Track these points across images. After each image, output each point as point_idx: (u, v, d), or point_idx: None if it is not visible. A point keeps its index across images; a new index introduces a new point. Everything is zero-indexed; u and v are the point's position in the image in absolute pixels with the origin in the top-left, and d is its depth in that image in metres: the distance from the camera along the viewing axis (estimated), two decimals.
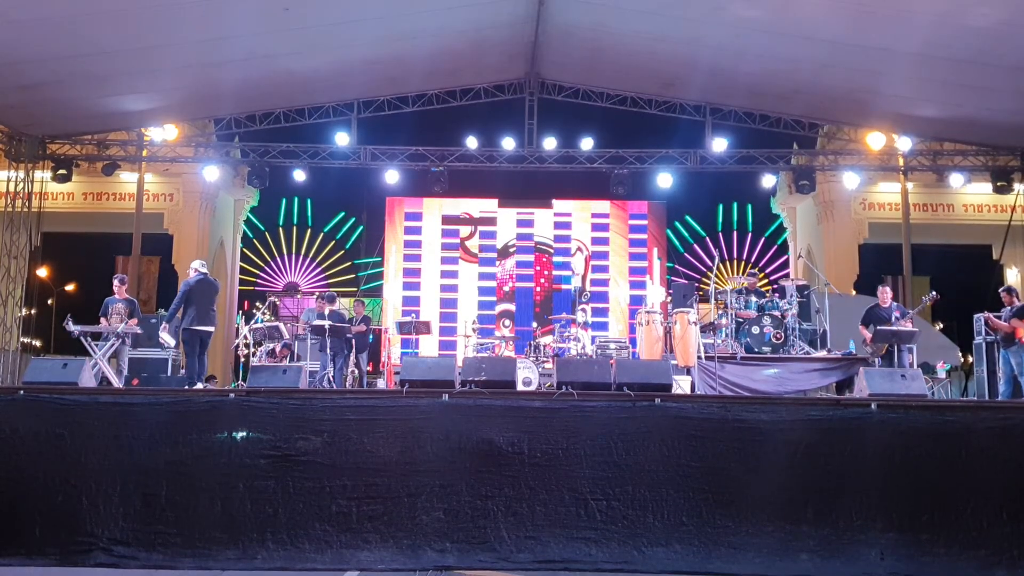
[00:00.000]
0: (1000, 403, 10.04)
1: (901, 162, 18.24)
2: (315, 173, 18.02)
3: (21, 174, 17.17)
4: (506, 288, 22.02)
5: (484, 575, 6.67)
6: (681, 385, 11.09)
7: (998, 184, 17.29)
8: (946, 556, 6.72)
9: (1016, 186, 17.49)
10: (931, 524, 6.79)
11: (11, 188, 17.17)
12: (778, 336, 12.79)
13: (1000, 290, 11.70)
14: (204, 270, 11.31)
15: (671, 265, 22.72)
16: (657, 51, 15.25)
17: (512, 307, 21.88)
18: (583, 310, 14.67)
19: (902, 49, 13.04)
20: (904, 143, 17.55)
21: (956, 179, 17.78)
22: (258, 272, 24.46)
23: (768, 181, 18.53)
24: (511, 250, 22.16)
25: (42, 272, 20.88)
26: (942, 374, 14.53)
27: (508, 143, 17.32)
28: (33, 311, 19.76)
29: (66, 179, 17.43)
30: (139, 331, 11.94)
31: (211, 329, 11.06)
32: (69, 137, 17.31)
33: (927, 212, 20.04)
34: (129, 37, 13.05)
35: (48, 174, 17.44)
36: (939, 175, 18.49)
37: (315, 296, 19.58)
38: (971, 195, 19.67)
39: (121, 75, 14.52)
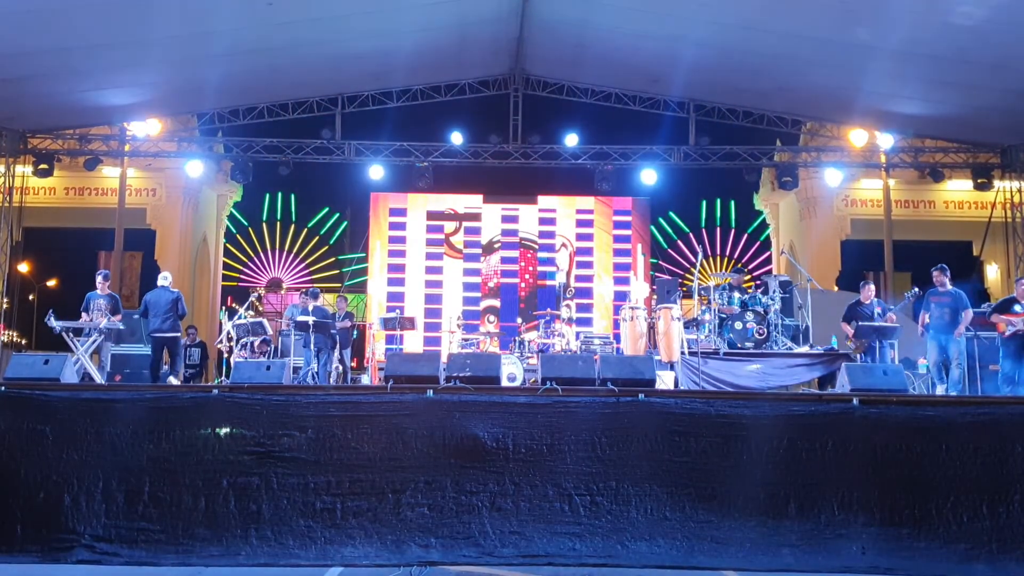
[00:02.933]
0: (981, 398, 10.12)
1: (883, 159, 18.35)
2: (299, 168, 17.93)
3: (2, 168, 17.04)
4: (491, 284, 22.03)
5: (468, 570, 6.69)
6: (664, 380, 11.14)
7: (979, 181, 17.43)
8: (926, 550, 6.78)
9: (996, 183, 17.63)
10: (912, 518, 6.84)
11: None
12: (761, 332, 12.86)
13: (933, 269, 11.64)
14: (164, 283, 12.16)
15: (655, 261, 22.77)
16: (641, 47, 15.28)
17: (497, 303, 21.89)
18: (567, 306, 14.72)
19: (884, 46, 13.13)
20: (886, 140, 17.66)
21: (937, 176, 17.92)
22: (242, 268, 24.35)
23: (751, 177, 18.60)
24: (496, 246, 22.16)
25: (23, 267, 20.71)
26: (923, 369, 14.61)
27: (493, 139, 17.31)
28: (14, 306, 19.61)
29: (47, 174, 17.30)
30: (121, 327, 11.94)
31: (169, 335, 11.83)
32: (51, 131, 17.18)
33: (909, 209, 20.17)
34: (112, 31, 12.96)
35: (29, 168, 17.32)
36: (920, 172, 18.63)
37: (300, 292, 19.53)
38: (952, 192, 19.83)
39: (103, 69, 14.44)
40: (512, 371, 13.01)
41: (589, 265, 22.09)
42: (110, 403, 7.26)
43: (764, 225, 22.96)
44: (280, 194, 24.37)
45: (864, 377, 8.34)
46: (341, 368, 13.98)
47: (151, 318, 11.89)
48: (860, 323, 11.50)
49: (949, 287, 11.38)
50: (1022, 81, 13.50)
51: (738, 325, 12.92)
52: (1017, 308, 10.84)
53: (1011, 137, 16.71)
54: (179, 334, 12.18)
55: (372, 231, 22.13)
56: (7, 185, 17.03)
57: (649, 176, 17.78)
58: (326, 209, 24.46)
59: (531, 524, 6.91)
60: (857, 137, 17.40)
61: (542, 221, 22.27)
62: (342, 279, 23.43)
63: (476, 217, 22.24)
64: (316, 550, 6.84)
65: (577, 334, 15.12)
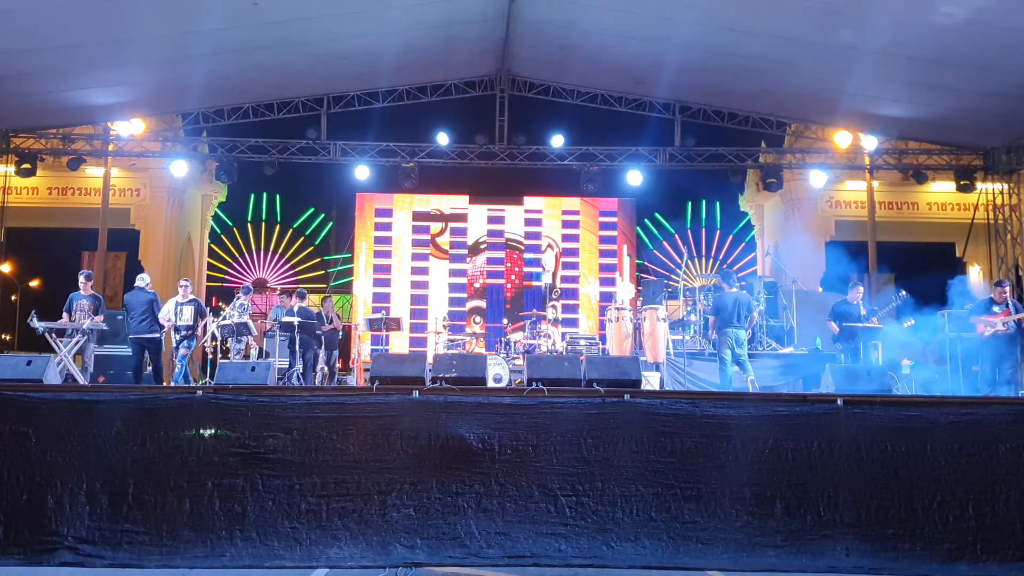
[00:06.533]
0: (964, 398, 10.17)
1: (867, 161, 18.45)
2: (284, 168, 17.88)
3: None
4: (477, 285, 22.03)
5: (454, 571, 6.68)
6: (650, 381, 11.18)
7: (961, 183, 17.54)
8: (911, 550, 6.81)
9: (979, 185, 17.76)
10: (897, 519, 6.88)
11: None
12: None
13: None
14: (140, 284, 12.23)
15: (641, 262, 22.79)
16: (627, 49, 15.31)
17: (483, 304, 21.89)
18: (553, 307, 14.76)
19: (868, 48, 13.19)
20: (870, 142, 17.76)
21: (921, 178, 18.04)
22: (226, 268, 24.22)
23: (736, 179, 18.67)
24: (482, 247, 22.17)
25: (6, 268, 20.56)
26: (906, 370, 14.72)
27: (479, 140, 17.30)
28: None
29: (30, 173, 17.20)
30: (105, 327, 11.89)
31: (146, 336, 11.94)
32: (34, 131, 17.07)
33: (892, 210, 20.26)
34: (96, 30, 12.89)
35: (12, 168, 17.20)
36: (904, 174, 18.74)
37: (278, 292, 19.44)
38: (935, 194, 19.93)
39: (87, 68, 14.35)
40: (498, 372, 13.02)
41: (575, 266, 22.13)
42: (93, 404, 7.22)
43: (749, 226, 23.01)
44: (265, 194, 24.23)
45: (848, 378, 8.40)
46: (327, 369, 13.95)
47: (129, 320, 11.90)
48: (844, 323, 11.59)
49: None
50: (1004, 84, 13.60)
51: None
52: (996, 309, 11.02)
53: (993, 139, 16.84)
54: (157, 335, 12.12)
55: (358, 232, 22.10)
56: None
57: (635, 177, 17.81)
58: (311, 209, 24.35)
59: (517, 525, 6.91)
60: (841, 139, 17.48)
61: (528, 222, 22.30)
62: (328, 280, 23.35)
63: (462, 218, 22.25)
64: (301, 551, 6.82)
65: (563, 335, 15.15)
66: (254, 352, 13.00)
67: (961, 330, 11.93)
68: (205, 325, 12.54)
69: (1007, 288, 11.23)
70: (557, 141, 17.56)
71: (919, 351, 13.21)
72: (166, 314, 12.19)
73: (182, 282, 12.75)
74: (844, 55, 13.61)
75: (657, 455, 7.06)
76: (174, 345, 12.35)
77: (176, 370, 12.21)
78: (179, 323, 12.22)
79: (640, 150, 17.64)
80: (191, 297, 12.56)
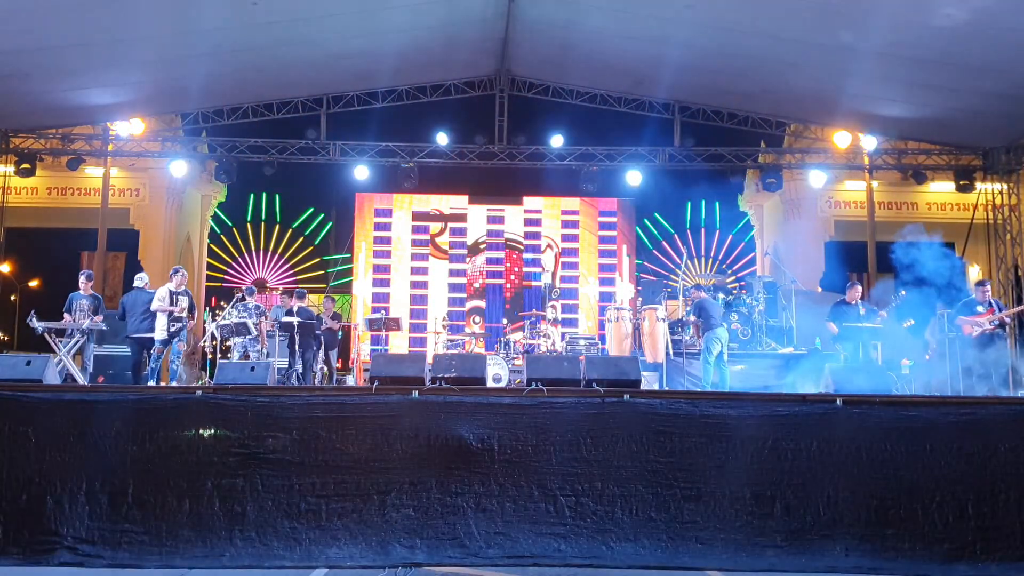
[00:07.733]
0: (963, 398, 10.17)
1: (866, 161, 18.45)
2: (284, 168, 17.88)
3: None
4: (476, 285, 22.03)
5: (454, 571, 6.68)
6: (649, 381, 11.18)
7: (960, 183, 17.55)
8: (910, 551, 6.82)
9: (978, 185, 17.77)
10: (896, 519, 6.88)
11: None
12: (745, 332, 12.95)
13: None
14: (139, 284, 12.04)
15: (640, 262, 22.80)
16: (626, 49, 15.31)
17: (482, 304, 21.89)
18: (553, 307, 14.77)
19: (868, 49, 13.19)
20: (869, 142, 17.76)
21: (920, 178, 18.04)
22: (226, 268, 24.23)
23: (735, 179, 18.67)
24: (481, 247, 22.17)
25: (5, 268, 20.56)
26: (906, 370, 14.71)
27: (478, 140, 17.30)
28: None
29: (30, 173, 17.20)
30: (104, 327, 11.86)
31: (147, 335, 11.62)
32: (33, 131, 17.07)
33: (892, 210, 20.24)
34: (95, 30, 12.89)
35: (11, 168, 17.20)
36: (903, 174, 18.75)
37: (279, 292, 19.43)
38: (935, 194, 19.93)
39: (87, 68, 14.35)
40: (497, 372, 13.03)
41: (574, 266, 22.12)
42: (93, 404, 7.22)
43: (748, 226, 23.03)
44: (264, 194, 24.26)
45: (848, 378, 8.39)
46: (326, 369, 13.95)
47: (128, 320, 11.79)
48: (844, 324, 11.59)
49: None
50: (1003, 84, 13.60)
51: None
52: (980, 309, 11.15)
53: (993, 139, 16.84)
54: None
55: (357, 232, 22.10)
56: None
57: (634, 177, 17.81)
58: (311, 210, 24.37)
59: (516, 525, 6.91)
60: (841, 139, 17.49)
61: (527, 222, 22.30)
62: (327, 280, 23.36)
63: (462, 218, 22.25)
64: (301, 551, 6.82)
65: (562, 335, 15.16)
66: (261, 352, 12.95)
67: (959, 331, 11.93)
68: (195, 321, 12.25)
69: (988, 288, 11.42)
70: (557, 141, 17.55)
71: (918, 351, 13.22)
72: (161, 302, 11.46)
73: (176, 269, 11.98)
74: (844, 55, 13.61)
75: (656, 455, 7.06)
76: (165, 338, 11.50)
77: (171, 368, 12.04)
78: (176, 312, 11.53)
79: (639, 150, 17.63)
80: (185, 287, 11.85)
